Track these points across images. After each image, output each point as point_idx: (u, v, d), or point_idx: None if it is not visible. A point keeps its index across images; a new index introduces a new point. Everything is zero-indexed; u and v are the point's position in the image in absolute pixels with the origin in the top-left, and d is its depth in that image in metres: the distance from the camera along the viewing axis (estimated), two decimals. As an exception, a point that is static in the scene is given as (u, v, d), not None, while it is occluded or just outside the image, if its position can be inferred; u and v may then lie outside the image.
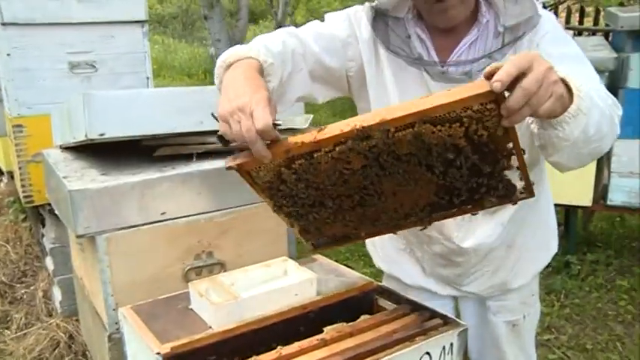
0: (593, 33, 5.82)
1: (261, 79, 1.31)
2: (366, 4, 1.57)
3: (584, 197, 3.96)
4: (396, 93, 1.55)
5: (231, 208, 2.00)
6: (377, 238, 1.80)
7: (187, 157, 2.05)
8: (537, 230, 1.76)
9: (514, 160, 1.15)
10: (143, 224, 1.92)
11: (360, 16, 1.57)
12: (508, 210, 1.60)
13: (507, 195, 1.22)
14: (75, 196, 1.84)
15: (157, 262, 1.96)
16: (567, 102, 1.10)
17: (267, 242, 2.04)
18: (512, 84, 1.00)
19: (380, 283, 1.66)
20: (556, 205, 4.08)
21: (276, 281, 1.65)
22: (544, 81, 1.01)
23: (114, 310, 1.89)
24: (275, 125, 1.14)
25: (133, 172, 1.97)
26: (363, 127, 1.08)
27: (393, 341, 1.30)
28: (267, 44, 1.41)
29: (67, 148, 2.37)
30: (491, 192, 1.21)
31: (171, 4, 24.98)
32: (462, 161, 1.14)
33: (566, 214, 4.33)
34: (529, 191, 1.22)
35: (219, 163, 2.00)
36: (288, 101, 1.52)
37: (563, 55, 1.38)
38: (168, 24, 23.11)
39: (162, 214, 1.93)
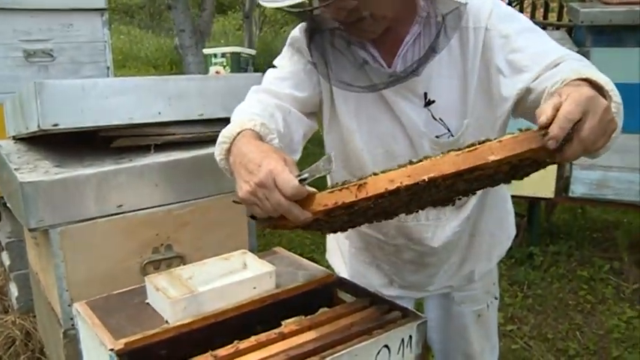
0: (557, 28, 5.92)
1: (263, 143, 1.27)
2: (300, 27, 1.56)
3: (546, 189, 4.03)
4: (352, 109, 1.55)
5: (190, 200, 1.97)
6: (346, 252, 1.86)
7: (145, 149, 2.01)
8: (497, 214, 1.79)
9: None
10: (99, 217, 1.88)
11: (301, 45, 1.55)
12: (472, 200, 1.61)
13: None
14: (27, 188, 1.78)
15: (114, 256, 1.92)
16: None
17: (227, 234, 2.01)
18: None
19: (340, 276, 1.65)
20: (519, 197, 4.17)
21: (234, 274, 1.63)
22: (600, 126, 0.98)
23: (69, 305, 1.84)
24: (302, 181, 1.10)
25: (88, 164, 1.92)
26: (408, 186, 1.03)
27: (351, 334, 1.29)
28: (247, 110, 1.42)
29: (20, 139, 2.30)
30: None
31: (138, -7, 24.60)
32: (501, 176, 1.12)
33: (530, 206, 4.40)
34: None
35: (177, 155, 1.96)
36: (297, 144, 1.54)
37: (520, 30, 1.43)
38: (135, 14, 22.77)
39: (119, 206, 1.89)
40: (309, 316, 1.40)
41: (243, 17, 14.59)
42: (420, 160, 1.06)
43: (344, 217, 1.19)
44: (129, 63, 15.07)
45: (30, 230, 1.87)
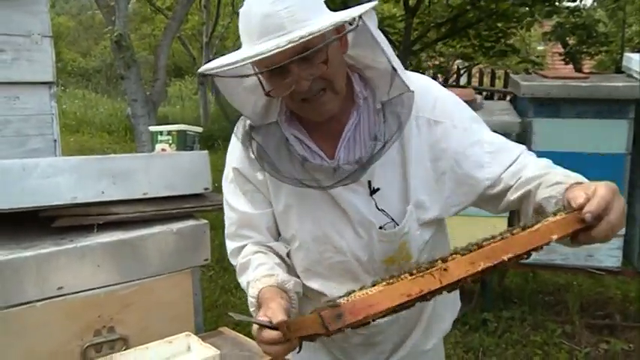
0: (504, 95, 6.21)
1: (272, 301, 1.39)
2: (235, 141, 1.59)
3: (497, 255, 4.11)
4: (298, 209, 1.57)
5: (134, 280, 1.94)
6: None
7: (88, 228, 1.99)
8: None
9: None
10: (38, 300, 1.83)
11: (242, 165, 1.59)
12: None
13: None
14: (-39, 272, 1.73)
15: (53, 340, 1.86)
16: None
17: (172, 315, 1.98)
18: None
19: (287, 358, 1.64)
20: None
21: (177, 358, 1.61)
22: (622, 213, 1.15)
23: (1, 397, 1.76)
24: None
25: (27, 246, 1.88)
26: (486, 268, 1.09)
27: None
28: (250, 267, 1.57)
29: (-42, 219, 2.25)
30: None
31: (94, 58, 24.66)
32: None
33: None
34: None
35: (120, 235, 1.95)
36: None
37: (470, 122, 1.52)
38: (92, 78, 22.78)
39: (60, 288, 1.85)
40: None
41: (198, 84, 14.76)
42: (486, 242, 1.12)
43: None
44: (82, 128, 14.92)
45: (-38, 316, 1.80)
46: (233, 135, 1.60)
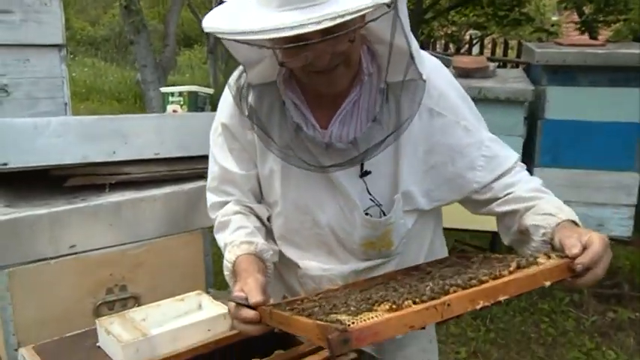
0: (516, 65, 6.12)
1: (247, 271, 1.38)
2: (227, 95, 1.51)
3: (507, 223, 4.10)
4: (282, 175, 1.50)
5: (146, 240, 1.95)
6: None
7: (99, 188, 1.99)
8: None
9: None
10: (51, 258, 1.84)
11: (232, 122, 1.52)
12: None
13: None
14: (-26, 229, 1.75)
15: (66, 298, 1.88)
16: None
17: (183, 274, 1.99)
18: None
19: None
20: (481, 232, 4.22)
21: (189, 316, 1.62)
22: (606, 267, 1.22)
23: (15, 350, 1.79)
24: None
25: (40, 204, 1.89)
26: (484, 306, 1.11)
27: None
28: (229, 228, 1.53)
29: (-30, 178, 2.26)
30: None
31: (103, 26, 24.52)
32: None
33: (492, 240, 4.47)
34: None
35: (132, 194, 1.95)
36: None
37: (473, 122, 1.47)
38: (101, 46, 22.66)
39: (72, 246, 1.86)
40: (264, 359, 1.39)
41: (207, 52, 14.66)
42: (485, 276, 1.15)
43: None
44: (92, 96, 14.91)
45: (-23, 272, 1.82)
46: (226, 88, 1.51)
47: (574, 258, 1.19)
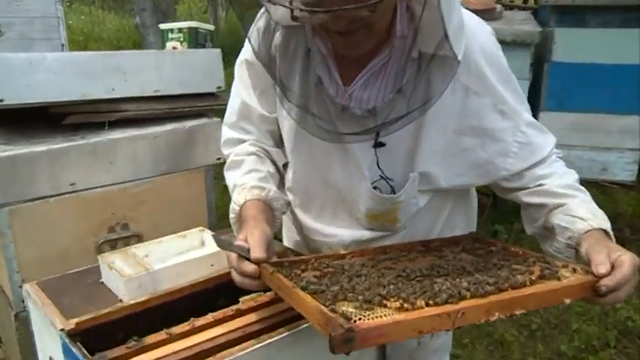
0: (523, 9, 5.98)
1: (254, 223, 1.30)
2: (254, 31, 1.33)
3: (511, 168, 4.08)
4: (296, 126, 1.41)
5: (146, 178, 1.92)
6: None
7: (99, 126, 1.95)
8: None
9: None
10: (51, 196, 1.82)
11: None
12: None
13: None
14: (-27, 166, 1.72)
15: (68, 236, 1.87)
16: None
17: (185, 212, 1.98)
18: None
19: (299, 252, 1.64)
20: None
21: (191, 252, 1.61)
22: (631, 291, 1.16)
23: (20, 287, 1.79)
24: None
25: (39, 142, 1.86)
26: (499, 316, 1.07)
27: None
28: (241, 168, 1.46)
29: (-33, 117, 2.22)
30: None
31: (99, -27, 23.96)
32: None
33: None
34: None
35: (132, 132, 1.91)
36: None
37: (514, 105, 1.34)
38: (97, -6, 22.19)
39: (72, 184, 1.84)
40: (268, 293, 1.38)
41: (208, 0, 14.35)
42: (504, 283, 1.10)
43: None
44: (90, 44, 14.68)
45: (-23, 210, 1.80)
46: (253, 24, 1.36)
47: (600, 277, 1.14)
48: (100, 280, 1.50)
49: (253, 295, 1.37)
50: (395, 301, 1.03)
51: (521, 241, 4.22)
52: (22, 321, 1.83)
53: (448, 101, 1.26)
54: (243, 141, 1.53)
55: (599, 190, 4.30)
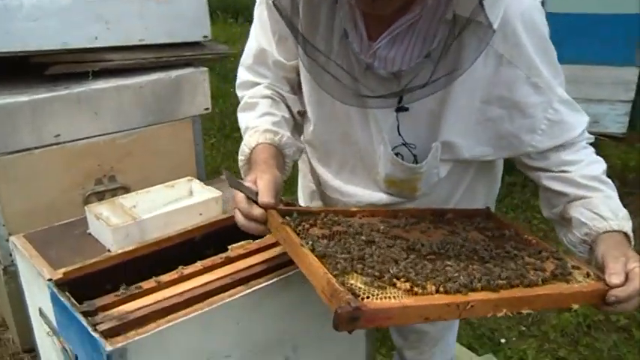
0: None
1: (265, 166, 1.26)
2: None
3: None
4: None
5: (133, 129, 1.88)
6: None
7: (82, 76, 1.90)
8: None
9: None
10: (35, 147, 1.78)
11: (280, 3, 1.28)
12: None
13: None
14: (-47, 117, 1.68)
15: (54, 188, 1.84)
16: None
17: (174, 164, 1.94)
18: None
19: (288, 200, 1.62)
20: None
21: (180, 201, 1.59)
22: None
23: (6, 240, 1.76)
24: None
25: (20, 92, 1.80)
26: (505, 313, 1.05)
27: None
28: (256, 110, 1.40)
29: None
30: None
31: None
32: None
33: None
34: None
35: (117, 82, 1.86)
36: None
37: (548, 80, 1.26)
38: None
39: (57, 136, 1.80)
40: (257, 240, 1.36)
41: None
42: (514, 284, 1.08)
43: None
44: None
45: (-40, 163, 1.77)
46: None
47: (611, 287, 1.12)
48: (88, 232, 1.48)
49: (243, 242, 1.36)
50: (405, 281, 1.00)
51: (512, 194, 4.23)
52: (11, 274, 1.82)
53: (479, 68, 1.18)
54: (258, 84, 1.47)
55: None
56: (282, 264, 1.25)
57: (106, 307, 1.12)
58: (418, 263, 1.07)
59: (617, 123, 3.92)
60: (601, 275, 1.16)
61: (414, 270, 1.04)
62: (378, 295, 0.95)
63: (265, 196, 1.15)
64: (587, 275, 1.17)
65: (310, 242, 1.07)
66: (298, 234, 1.11)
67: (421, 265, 1.07)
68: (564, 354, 2.87)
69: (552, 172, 1.34)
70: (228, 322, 1.15)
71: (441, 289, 1.01)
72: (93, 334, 1.01)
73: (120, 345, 1.00)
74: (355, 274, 1.00)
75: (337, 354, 1.37)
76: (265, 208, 1.15)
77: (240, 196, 1.17)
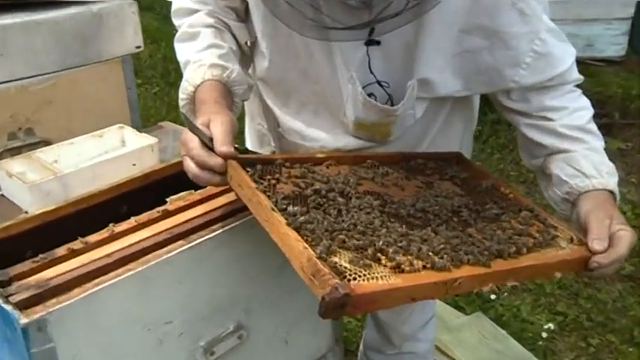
0: None
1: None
2: None
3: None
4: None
5: (50, 73, 1.81)
6: None
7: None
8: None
9: None
10: None
11: None
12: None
13: None
14: None
15: (-40, 148, 1.77)
16: None
17: (102, 112, 1.88)
18: None
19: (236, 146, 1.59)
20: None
21: (110, 153, 1.55)
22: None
23: None
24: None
25: None
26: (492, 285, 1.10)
27: (243, 206, 1.25)
28: (197, 41, 1.38)
29: None
30: None
31: None
32: None
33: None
34: None
35: (27, 16, 1.77)
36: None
37: (532, 7, 1.27)
38: None
39: (-43, 83, 1.72)
40: (199, 191, 1.34)
41: None
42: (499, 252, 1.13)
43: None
44: None
45: None
46: None
47: (594, 254, 1.18)
48: (0, 193, 1.44)
49: (183, 193, 1.33)
50: (389, 260, 1.02)
51: (497, 133, 4.26)
52: None
53: None
54: (198, 11, 1.44)
55: (584, 69, 4.31)
56: (227, 214, 1.23)
57: (21, 276, 1.09)
58: (401, 232, 1.09)
59: (614, 45, 3.92)
60: (583, 239, 1.23)
61: (397, 241, 1.05)
62: (365, 275, 0.95)
63: (224, 144, 1.13)
64: (571, 240, 1.23)
65: (284, 206, 1.06)
66: (265, 192, 1.09)
67: (403, 233, 1.09)
68: (563, 308, 2.94)
69: (532, 116, 1.37)
70: (167, 283, 1.14)
71: (428, 265, 1.03)
72: (4, 306, 0.98)
73: (37, 316, 0.97)
74: (337, 249, 0.99)
75: (297, 314, 1.37)
76: (224, 157, 1.12)
77: (194, 142, 1.14)
